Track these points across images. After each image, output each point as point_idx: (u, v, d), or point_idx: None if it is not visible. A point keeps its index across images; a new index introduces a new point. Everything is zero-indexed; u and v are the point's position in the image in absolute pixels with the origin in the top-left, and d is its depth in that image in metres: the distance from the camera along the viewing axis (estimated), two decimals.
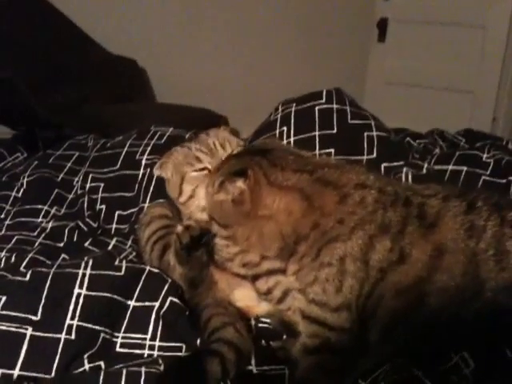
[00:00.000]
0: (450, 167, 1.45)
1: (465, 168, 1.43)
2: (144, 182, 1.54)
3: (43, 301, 1.02)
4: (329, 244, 0.95)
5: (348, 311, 0.93)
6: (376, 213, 0.95)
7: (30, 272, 1.07)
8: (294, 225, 0.98)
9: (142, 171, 1.56)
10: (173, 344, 1.03)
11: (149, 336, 1.04)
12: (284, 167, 1.01)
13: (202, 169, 1.25)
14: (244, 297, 1.15)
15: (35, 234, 1.40)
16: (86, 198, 1.55)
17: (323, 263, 0.95)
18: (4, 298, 1.02)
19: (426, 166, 1.46)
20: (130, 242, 1.37)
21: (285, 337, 1.09)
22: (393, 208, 0.96)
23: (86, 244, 1.33)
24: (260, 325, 1.13)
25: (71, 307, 1.02)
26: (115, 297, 1.05)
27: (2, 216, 1.53)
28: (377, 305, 0.93)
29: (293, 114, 1.55)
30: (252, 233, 1.01)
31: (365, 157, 1.46)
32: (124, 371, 0.94)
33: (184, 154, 1.31)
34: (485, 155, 1.47)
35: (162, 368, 0.96)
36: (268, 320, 1.13)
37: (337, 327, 0.94)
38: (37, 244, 1.34)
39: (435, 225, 0.94)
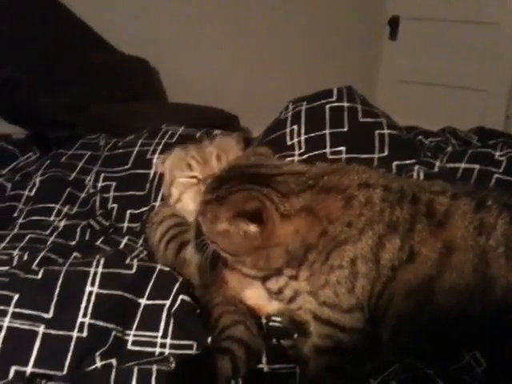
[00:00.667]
0: (463, 165, 1.44)
1: (477, 166, 1.42)
2: (155, 181, 1.54)
3: (55, 299, 1.03)
4: (338, 247, 0.95)
5: (360, 312, 0.93)
6: (384, 212, 0.95)
7: (42, 270, 1.08)
8: (301, 240, 0.97)
9: (153, 170, 1.56)
10: (184, 342, 1.04)
11: (160, 334, 1.04)
12: (289, 193, 0.97)
13: (192, 176, 1.27)
14: (254, 295, 1.15)
15: (47, 232, 1.41)
16: (97, 197, 1.56)
17: (333, 266, 0.95)
18: (17, 296, 1.02)
19: (437, 164, 1.45)
20: (141, 241, 1.37)
21: (295, 335, 1.09)
22: (400, 206, 0.95)
23: (98, 242, 1.34)
24: (271, 323, 1.13)
25: (83, 305, 1.03)
26: (126, 295, 1.06)
27: (15, 215, 1.54)
28: (388, 304, 0.92)
29: (303, 113, 1.55)
30: (259, 259, 1.00)
31: (376, 155, 1.45)
32: (135, 369, 0.94)
33: (179, 158, 1.32)
34: (497, 153, 1.46)
35: (173, 366, 0.97)
36: (279, 319, 1.13)
37: (349, 328, 0.94)
38: (49, 242, 1.35)
39: (444, 223, 0.93)
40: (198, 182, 1.27)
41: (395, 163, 1.43)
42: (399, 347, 0.92)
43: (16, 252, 1.29)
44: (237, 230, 0.96)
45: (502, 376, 0.84)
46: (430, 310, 0.90)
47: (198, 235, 1.09)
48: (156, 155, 1.60)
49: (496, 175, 1.39)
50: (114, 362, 0.99)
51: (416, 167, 1.39)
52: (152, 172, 1.56)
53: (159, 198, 1.51)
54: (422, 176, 1.36)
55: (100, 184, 1.60)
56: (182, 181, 1.29)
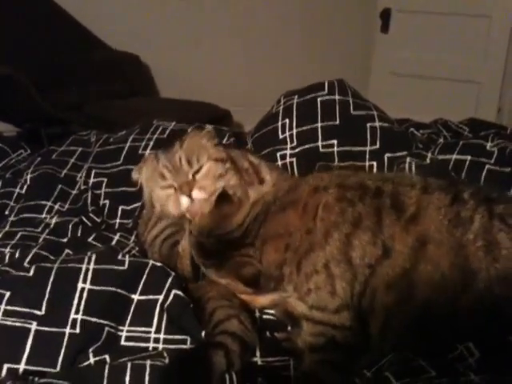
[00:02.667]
0: (454, 156, 1.44)
1: (469, 157, 1.42)
2: None
3: (47, 295, 1.02)
4: (306, 255, 0.97)
5: (347, 311, 0.95)
6: (345, 211, 0.96)
7: (33, 267, 1.07)
8: (275, 264, 1.01)
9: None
10: (177, 337, 1.03)
11: (153, 329, 1.04)
12: (253, 240, 1.03)
13: (168, 185, 1.26)
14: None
15: (39, 229, 1.40)
16: (89, 194, 1.55)
17: (308, 274, 0.97)
18: (8, 294, 1.02)
19: (429, 155, 1.45)
20: (133, 237, 1.37)
21: (289, 328, 1.09)
22: (362, 201, 0.96)
23: (90, 239, 1.33)
24: (264, 316, 1.13)
25: (75, 301, 1.02)
26: (119, 291, 1.05)
27: (6, 212, 1.53)
28: (372, 301, 0.93)
29: (295, 106, 1.55)
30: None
31: (368, 148, 1.45)
32: (129, 364, 0.94)
33: (152, 168, 1.31)
34: (489, 144, 1.46)
35: (166, 361, 0.96)
36: (272, 311, 1.13)
37: (340, 326, 0.95)
38: (41, 240, 1.34)
39: (417, 216, 0.93)
40: (174, 189, 1.25)
41: (387, 155, 1.44)
42: (389, 341, 0.92)
43: (7, 250, 1.28)
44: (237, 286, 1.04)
45: (495, 366, 0.84)
46: (412, 303, 0.91)
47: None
48: (148, 151, 1.59)
49: (487, 166, 1.39)
50: (107, 357, 0.99)
51: (408, 159, 1.40)
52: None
53: None
54: (413, 168, 1.36)
55: (91, 180, 1.60)
56: (160, 194, 1.27)
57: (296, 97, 1.58)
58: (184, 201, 1.21)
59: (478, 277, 0.88)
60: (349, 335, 0.95)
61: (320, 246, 0.96)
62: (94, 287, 1.04)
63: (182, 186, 1.22)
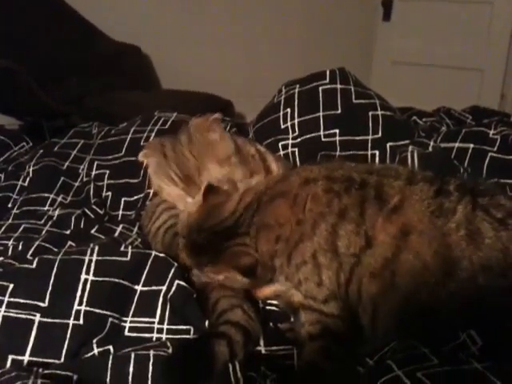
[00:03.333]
0: (457, 144, 1.44)
1: (471, 145, 1.42)
2: None
3: (50, 287, 1.03)
4: (296, 246, 0.98)
5: (335, 300, 0.97)
6: (331, 202, 0.97)
7: (36, 259, 1.07)
8: (267, 253, 1.02)
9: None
10: (181, 327, 1.04)
11: (157, 320, 1.04)
12: (247, 228, 1.03)
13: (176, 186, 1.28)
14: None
15: (42, 222, 1.40)
16: (91, 186, 1.56)
17: (297, 264, 0.98)
18: (12, 286, 1.02)
19: (432, 144, 1.45)
20: (136, 229, 1.37)
21: (292, 319, 1.09)
22: (347, 193, 0.97)
23: (93, 231, 1.33)
24: (267, 307, 1.13)
25: (78, 293, 1.02)
26: (122, 282, 1.06)
27: (9, 205, 1.54)
28: (359, 290, 0.95)
29: (296, 96, 1.54)
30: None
31: (370, 136, 1.45)
32: (132, 355, 0.94)
33: (159, 165, 1.32)
34: (491, 132, 1.46)
35: (170, 351, 0.97)
36: (275, 302, 1.14)
37: (330, 315, 0.97)
38: (44, 232, 1.34)
39: (400, 207, 0.94)
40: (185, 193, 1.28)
41: (389, 144, 1.43)
42: (380, 330, 0.93)
43: (11, 242, 1.29)
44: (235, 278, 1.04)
45: (498, 354, 0.84)
46: (396, 292, 0.91)
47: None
48: None
49: (490, 154, 1.39)
50: (111, 348, 1.00)
51: (410, 148, 1.39)
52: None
53: None
54: (416, 156, 1.36)
55: (94, 172, 1.60)
56: (168, 190, 1.30)
57: (297, 86, 1.57)
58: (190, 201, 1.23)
59: (460, 266, 0.88)
60: (340, 324, 0.96)
61: (308, 237, 0.97)
62: (97, 278, 1.05)
63: (189, 191, 1.25)
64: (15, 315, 0.99)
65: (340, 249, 0.95)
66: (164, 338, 1.02)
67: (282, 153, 1.51)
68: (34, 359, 0.97)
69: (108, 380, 0.91)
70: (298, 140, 1.50)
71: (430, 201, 0.94)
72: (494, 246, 0.89)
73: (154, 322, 1.04)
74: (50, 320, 1.00)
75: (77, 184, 1.60)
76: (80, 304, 1.02)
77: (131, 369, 0.92)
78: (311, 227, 0.97)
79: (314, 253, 0.96)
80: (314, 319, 0.98)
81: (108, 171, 1.58)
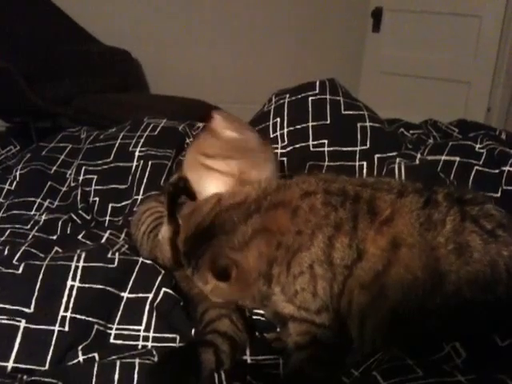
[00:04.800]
0: (443, 157, 1.45)
1: (457, 158, 1.43)
2: (137, 174, 1.54)
3: (36, 293, 1.02)
4: (295, 256, 0.98)
5: (326, 312, 0.97)
6: (329, 215, 0.98)
7: (22, 265, 1.07)
8: (266, 259, 1.01)
9: (135, 163, 1.56)
10: (167, 335, 1.03)
11: (143, 327, 1.04)
12: (235, 227, 1.02)
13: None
14: None
15: (28, 226, 1.39)
16: (79, 191, 1.55)
17: (295, 275, 0.98)
18: None
19: (418, 156, 1.46)
20: (123, 235, 1.36)
21: (278, 329, 1.09)
22: (343, 207, 0.99)
23: (80, 237, 1.32)
24: (254, 317, 1.13)
25: (64, 299, 1.02)
26: (108, 288, 1.06)
27: None
28: (349, 302, 0.95)
29: (286, 105, 1.55)
30: (254, 293, 1.05)
31: (358, 148, 1.46)
32: (118, 363, 0.94)
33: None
34: (478, 145, 1.48)
35: (155, 359, 0.97)
36: (262, 312, 1.14)
37: (321, 325, 0.97)
38: (30, 237, 1.34)
39: (390, 220, 0.95)
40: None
41: (377, 156, 1.45)
42: (367, 342, 0.94)
43: None
44: (219, 286, 1.02)
45: (482, 366, 0.85)
46: (384, 304, 0.92)
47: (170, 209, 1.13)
48: (138, 148, 1.59)
49: (476, 167, 1.40)
50: (96, 356, 0.99)
51: (397, 160, 1.40)
52: (134, 165, 1.55)
53: (141, 192, 1.50)
54: (403, 168, 1.37)
55: (81, 177, 1.59)
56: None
57: (287, 96, 1.58)
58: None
59: (448, 279, 0.89)
60: (329, 335, 0.97)
61: (307, 248, 0.98)
62: (84, 285, 1.04)
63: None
64: (0, 321, 0.98)
65: (335, 260, 0.95)
66: (150, 346, 1.02)
67: None
68: (19, 366, 0.96)
69: None
70: (287, 149, 1.51)
71: (419, 212, 0.95)
72: (482, 260, 0.89)
73: (139, 330, 1.04)
74: (35, 326, 0.99)
75: (64, 189, 1.59)
76: (66, 310, 1.01)
77: (116, 376, 0.92)
78: (309, 238, 0.98)
79: (312, 263, 0.97)
80: (303, 330, 0.98)
81: (96, 176, 1.57)
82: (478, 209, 0.95)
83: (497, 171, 1.39)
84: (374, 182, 1.05)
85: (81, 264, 1.07)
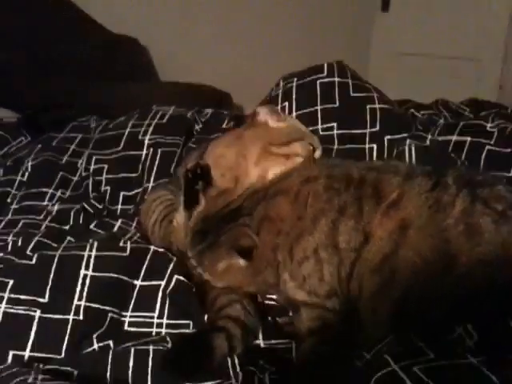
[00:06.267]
0: (454, 138, 1.44)
1: (469, 138, 1.42)
2: (148, 162, 1.54)
3: (50, 283, 1.03)
4: (297, 241, 0.99)
5: (336, 296, 0.97)
6: (332, 199, 0.99)
7: (36, 255, 1.08)
8: (270, 246, 1.02)
9: (145, 151, 1.56)
10: (180, 321, 1.05)
11: (156, 314, 1.05)
12: (250, 214, 1.03)
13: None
14: None
15: (41, 217, 1.41)
16: (90, 180, 1.56)
17: (299, 260, 0.99)
18: (12, 282, 1.03)
19: (429, 137, 1.45)
20: (135, 223, 1.37)
21: (291, 313, 1.10)
22: (346, 190, 0.99)
23: (92, 226, 1.34)
24: (266, 302, 1.14)
25: (78, 288, 1.03)
26: (121, 277, 1.07)
27: (9, 200, 1.53)
28: (359, 286, 0.95)
29: (294, 89, 1.54)
30: (261, 281, 1.06)
31: (367, 130, 1.45)
32: (132, 350, 0.95)
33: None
34: (489, 125, 1.46)
35: (169, 345, 0.98)
36: (274, 296, 1.14)
37: (332, 309, 0.98)
38: (43, 227, 1.35)
39: (398, 202, 0.94)
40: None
41: (387, 137, 1.43)
42: (380, 325, 0.94)
43: (10, 238, 1.28)
44: (235, 264, 1.02)
45: (494, 348, 0.85)
46: (395, 287, 0.92)
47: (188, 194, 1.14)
48: (147, 136, 1.59)
49: (487, 147, 1.39)
50: (111, 343, 1.00)
51: (408, 141, 1.39)
52: (144, 153, 1.56)
53: (152, 180, 1.51)
54: (413, 150, 1.36)
55: (92, 167, 1.59)
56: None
57: (295, 79, 1.57)
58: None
59: (459, 261, 0.89)
60: (340, 319, 0.97)
61: (309, 232, 0.98)
62: (97, 274, 1.06)
63: None
64: (15, 311, 1.00)
65: (341, 244, 0.96)
66: (163, 333, 1.03)
67: None
68: (35, 355, 0.97)
69: (108, 375, 0.92)
70: None
71: (427, 194, 0.94)
72: (493, 241, 0.89)
73: (153, 317, 1.05)
74: (50, 316, 1.01)
75: (76, 179, 1.60)
76: (80, 299, 1.02)
77: (131, 363, 0.93)
78: (312, 223, 0.98)
79: (316, 248, 0.97)
80: (316, 315, 0.99)
81: (107, 165, 1.58)
82: (488, 190, 0.94)
83: (508, 150, 1.37)
84: (381, 165, 1.05)
85: (93, 253, 1.08)
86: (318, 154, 1.28)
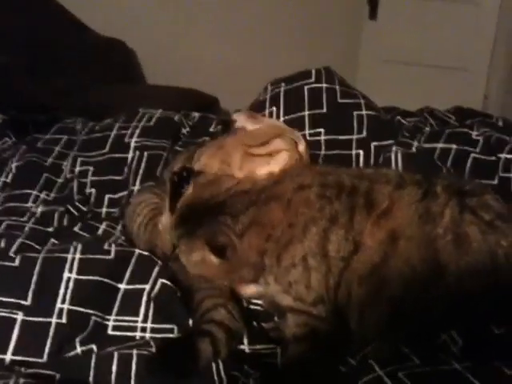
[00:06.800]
0: (440, 145, 1.45)
1: (454, 146, 1.43)
2: (133, 165, 1.53)
3: (33, 286, 1.02)
4: (285, 248, 0.99)
5: (323, 304, 0.97)
6: (323, 208, 0.99)
7: (19, 257, 1.07)
8: (256, 250, 1.02)
9: (131, 154, 1.55)
10: (164, 326, 1.04)
11: (140, 318, 1.04)
12: (238, 214, 1.03)
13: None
14: None
15: (25, 218, 1.39)
16: (75, 182, 1.54)
17: (287, 267, 0.99)
18: None
19: (415, 144, 1.46)
20: (119, 226, 1.36)
21: (276, 318, 1.09)
22: (338, 199, 0.99)
23: (76, 228, 1.32)
24: (252, 307, 1.13)
25: (61, 291, 1.02)
26: (105, 280, 1.06)
27: None
28: (349, 294, 0.95)
29: (282, 94, 1.55)
30: (234, 278, 1.07)
31: (354, 136, 1.46)
32: (116, 354, 0.94)
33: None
34: (474, 133, 1.47)
35: (153, 350, 0.97)
36: (259, 302, 1.14)
37: (318, 317, 0.98)
38: (26, 229, 1.33)
39: (388, 212, 0.95)
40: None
41: (373, 144, 1.44)
42: (368, 334, 0.94)
43: None
44: (208, 259, 1.02)
45: (478, 354, 0.85)
46: (384, 296, 0.92)
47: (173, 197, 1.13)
48: (134, 139, 1.58)
49: (473, 155, 1.40)
50: (94, 347, 0.99)
51: (394, 148, 1.40)
52: (130, 156, 1.55)
53: (138, 183, 1.50)
54: (399, 157, 1.37)
55: (77, 169, 1.58)
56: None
57: (283, 84, 1.58)
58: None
59: (447, 270, 0.89)
60: (326, 326, 0.97)
61: (299, 240, 0.98)
62: (81, 277, 1.05)
63: None
64: None
65: (330, 253, 0.96)
66: (147, 337, 1.02)
67: None
68: (17, 358, 0.96)
69: (91, 379, 0.91)
70: None
71: (417, 204, 0.95)
72: (481, 251, 0.90)
73: (137, 321, 1.04)
74: (32, 318, 1.00)
75: (60, 180, 1.58)
76: (63, 302, 1.01)
77: (114, 367, 0.92)
78: (302, 230, 0.98)
79: (305, 256, 0.97)
80: (301, 321, 0.99)
81: (92, 168, 1.56)
82: (476, 200, 0.95)
83: (493, 158, 1.39)
84: (372, 174, 1.05)
85: (77, 256, 1.07)
86: (301, 147, 1.27)
